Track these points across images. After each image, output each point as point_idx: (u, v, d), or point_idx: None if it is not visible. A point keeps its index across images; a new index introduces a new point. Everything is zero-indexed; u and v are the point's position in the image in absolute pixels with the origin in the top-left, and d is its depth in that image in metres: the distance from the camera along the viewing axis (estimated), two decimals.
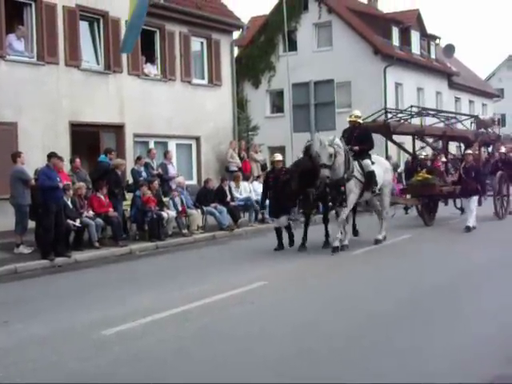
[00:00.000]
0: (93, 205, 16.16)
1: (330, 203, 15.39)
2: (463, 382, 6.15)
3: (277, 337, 7.95)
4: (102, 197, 16.34)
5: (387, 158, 25.27)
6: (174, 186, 19.34)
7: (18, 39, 18.53)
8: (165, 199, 18.13)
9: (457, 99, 44.65)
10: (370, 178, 15.20)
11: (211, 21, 24.56)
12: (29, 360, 7.22)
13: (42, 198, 14.28)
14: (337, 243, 14.53)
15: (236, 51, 31.77)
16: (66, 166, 16.63)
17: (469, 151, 19.77)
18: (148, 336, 8.14)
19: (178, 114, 22.82)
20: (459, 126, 23.53)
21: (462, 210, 20.81)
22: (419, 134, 20.75)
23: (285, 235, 15.48)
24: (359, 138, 15.57)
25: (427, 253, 14.64)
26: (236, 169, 22.89)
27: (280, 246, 15.34)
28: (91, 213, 15.88)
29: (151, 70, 22.80)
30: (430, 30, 41.85)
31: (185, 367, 6.89)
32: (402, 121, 20.39)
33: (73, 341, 8.02)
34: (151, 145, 21.93)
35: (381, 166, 16.21)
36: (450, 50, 42.77)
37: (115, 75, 21.01)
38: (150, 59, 22.87)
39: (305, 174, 14.70)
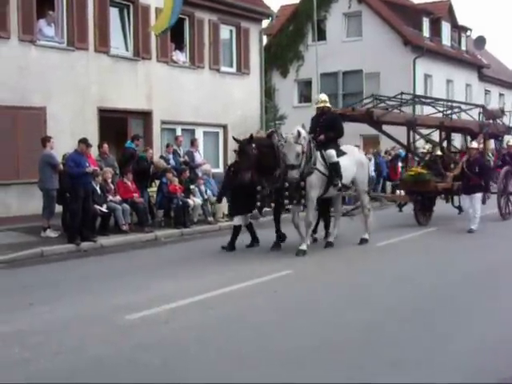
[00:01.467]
0: (119, 190, 16.27)
1: (286, 200, 13.36)
2: (465, 382, 6.10)
3: (298, 326, 7.96)
4: (129, 182, 16.43)
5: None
6: (200, 174, 19.40)
7: (48, 25, 18.63)
8: (191, 186, 18.18)
9: (487, 92, 44.17)
10: (333, 171, 13.55)
11: (241, 9, 24.49)
12: (53, 343, 7.30)
13: (70, 183, 14.37)
14: (304, 246, 13.13)
15: (265, 40, 31.71)
16: (94, 152, 16.74)
17: (473, 144, 17.88)
18: (171, 322, 8.18)
19: (205, 101, 22.82)
20: (466, 117, 21.17)
21: (460, 208, 18.48)
22: (410, 124, 18.63)
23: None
24: (326, 126, 14.01)
25: (446, 248, 14.53)
26: None
27: (230, 246, 13.87)
28: (118, 198, 15.97)
29: (180, 57, 22.82)
30: (461, 22, 41.48)
31: (207, 354, 6.91)
32: (391, 109, 18.71)
33: (97, 325, 8.09)
34: (178, 132, 21.97)
35: (353, 157, 14.46)
36: (481, 41, 42.30)
37: (144, 62, 21.06)
38: (179, 46, 22.89)
39: (260, 162, 12.98)
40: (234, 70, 24.84)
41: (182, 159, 19.32)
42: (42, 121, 17.78)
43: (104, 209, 15.35)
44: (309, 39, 36.21)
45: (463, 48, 41.29)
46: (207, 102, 22.91)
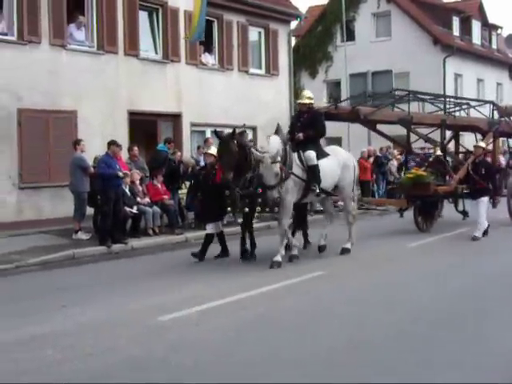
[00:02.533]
0: (149, 193, 16.34)
1: (259, 207, 12.60)
2: (470, 383, 6.04)
3: (330, 327, 7.92)
4: (159, 185, 16.49)
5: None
6: None
7: (78, 29, 18.79)
8: None
9: None
10: (311, 174, 12.39)
11: (269, 10, 24.49)
12: (85, 344, 7.33)
13: (101, 185, 14.46)
14: (279, 258, 11.97)
15: (293, 41, 31.68)
16: (124, 155, 16.83)
17: (480, 143, 16.51)
18: (203, 323, 8.19)
19: (234, 103, 22.85)
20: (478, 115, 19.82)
21: (464, 213, 17.25)
22: (404, 122, 17.00)
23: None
24: (307, 124, 12.79)
25: (485, 249, 14.38)
26: None
27: (201, 254, 12.87)
28: (147, 200, 16.04)
29: (209, 59, 22.88)
30: (491, 20, 41.16)
31: (238, 355, 6.90)
32: (381, 106, 17.19)
33: (129, 326, 8.12)
34: (208, 134, 22.00)
35: (337, 159, 13.17)
36: None
37: (173, 64, 21.15)
38: (208, 49, 22.96)
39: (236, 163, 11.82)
40: (262, 71, 24.84)
41: None
42: (72, 124, 17.93)
43: (135, 210, 15.43)
44: (337, 40, 36.14)
45: (494, 46, 40.94)
46: (236, 104, 22.93)
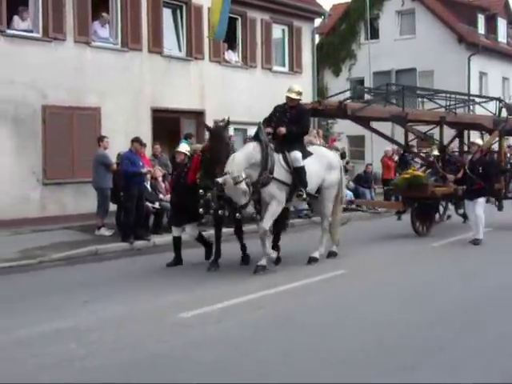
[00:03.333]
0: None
1: (239, 214, 11.21)
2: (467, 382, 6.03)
3: (350, 326, 7.92)
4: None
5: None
6: None
7: (102, 26, 18.92)
8: None
9: None
10: (298, 177, 11.43)
11: (293, 8, 24.47)
12: (108, 340, 7.39)
13: (124, 181, 14.53)
14: (264, 262, 11.26)
15: (317, 39, 31.62)
16: (148, 151, 16.92)
17: (476, 140, 15.52)
18: (224, 320, 8.22)
19: (257, 100, 22.81)
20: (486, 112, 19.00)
21: (465, 216, 16.53)
22: (398, 119, 15.89)
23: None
24: (293, 120, 11.75)
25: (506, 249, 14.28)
26: None
27: (176, 260, 12.25)
28: (169, 197, 16.08)
29: (232, 56, 22.92)
30: None
31: (258, 353, 6.92)
32: (371, 102, 16.10)
33: (150, 322, 8.17)
34: (231, 131, 22.01)
35: (321, 160, 12.13)
36: None
37: (197, 62, 21.21)
38: (232, 46, 22.99)
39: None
40: (286, 69, 24.82)
41: None
42: (96, 121, 18.06)
43: (157, 205, 15.48)
44: (361, 38, 36.00)
45: None
46: (259, 102, 22.87)
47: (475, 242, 14.17)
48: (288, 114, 11.80)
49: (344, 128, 31.11)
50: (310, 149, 12.17)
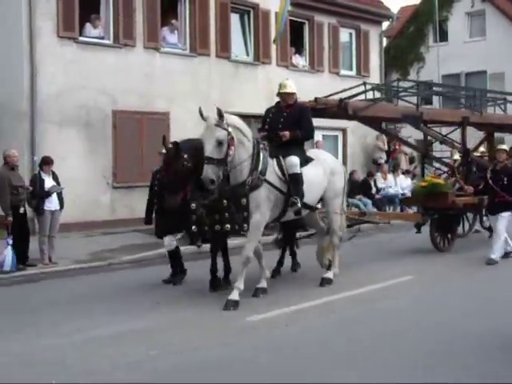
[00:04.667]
0: None
1: (228, 225, 9.42)
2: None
3: (420, 334, 7.81)
4: None
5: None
6: None
7: (171, 32, 19.20)
8: None
9: None
10: (293, 185, 9.73)
11: (361, 11, 24.36)
12: (178, 341, 7.50)
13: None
14: (235, 295, 9.21)
15: (384, 42, 31.37)
16: None
17: (503, 146, 13.49)
18: (291, 325, 8.23)
19: None
20: None
21: (490, 229, 14.42)
22: (411, 120, 14.31)
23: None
24: (293, 122, 10.19)
25: None
26: (383, 161, 22.71)
27: (173, 276, 11.19)
28: None
29: (299, 61, 22.93)
30: None
31: (326, 357, 6.90)
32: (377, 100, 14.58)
33: (218, 325, 8.25)
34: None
35: (321, 166, 10.49)
36: None
37: (264, 66, 21.30)
38: (299, 50, 23.01)
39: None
40: (353, 73, 24.70)
41: None
42: (165, 125, 18.29)
43: None
44: (430, 40, 35.49)
45: None
46: None
47: (489, 261, 12.45)
48: (285, 114, 10.35)
49: (413, 131, 30.81)
50: (310, 153, 10.60)
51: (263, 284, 9.94)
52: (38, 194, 12.48)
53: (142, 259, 13.37)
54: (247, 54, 21.27)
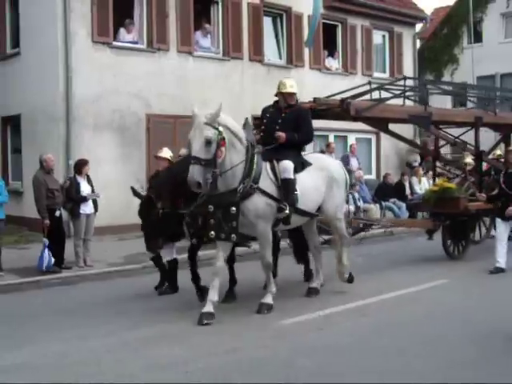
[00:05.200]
0: None
1: (212, 232, 8.80)
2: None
3: (457, 338, 7.74)
4: None
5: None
6: (353, 181, 19.38)
7: (204, 36, 19.29)
8: None
9: None
10: (284, 191, 9.01)
11: (394, 13, 24.26)
12: (211, 344, 7.54)
13: None
14: (269, 299, 9.14)
15: (418, 43, 31.19)
16: None
17: None
18: (325, 328, 8.23)
19: None
20: None
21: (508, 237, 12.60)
22: (420, 120, 13.49)
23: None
24: (291, 124, 9.56)
25: None
26: (417, 164, 22.58)
27: (172, 288, 10.58)
28: None
29: (332, 63, 22.89)
30: None
31: (362, 360, 6.89)
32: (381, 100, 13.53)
33: (252, 328, 8.27)
34: (331, 138, 22.01)
35: (322, 172, 9.80)
36: None
37: (297, 69, 21.29)
38: (332, 53, 22.96)
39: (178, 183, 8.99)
40: (387, 75, 24.56)
41: None
42: None
43: None
44: (464, 42, 35.20)
45: None
46: None
47: (495, 270, 11.75)
48: (283, 115, 9.72)
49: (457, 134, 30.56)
50: (308, 158, 9.93)
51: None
52: (74, 198, 12.61)
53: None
54: (280, 58, 21.30)
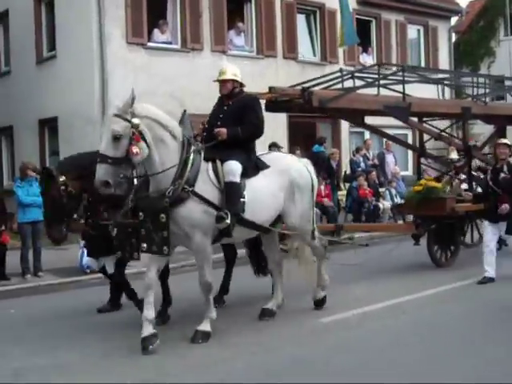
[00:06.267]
0: None
1: (144, 244, 7.53)
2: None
3: (500, 336, 7.60)
4: (322, 186, 16.43)
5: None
6: (389, 177, 19.30)
7: (238, 35, 19.32)
8: (381, 189, 18.07)
9: None
10: (227, 196, 7.59)
11: (428, 7, 24.04)
12: (249, 343, 7.52)
13: None
14: (207, 327, 7.70)
15: (453, 37, 30.88)
16: None
17: (504, 140, 11.09)
18: (363, 326, 8.17)
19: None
20: None
21: (500, 242, 11.61)
22: (397, 111, 11.99)
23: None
24: (234, 116, 8.19)
25: None
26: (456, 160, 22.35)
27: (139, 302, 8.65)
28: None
29: (367, 59, 22.74)
30: None
31: (402, 358, 6.82)
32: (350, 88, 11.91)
33: (291, 326, 8.22)
34: (367, 135, 21.87)
35: (281, 176, 8.29)
36: None
37: (331, 66, 21.15)
38: (366, 49, 22.84)
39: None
40: None
41: (370, 162, 19.29)
42: None
43: None
44: (501, 34, 34.78)
45: None
46: None
47: (483, 280, 10.47)
48: (225, 108, 8.43)
49: (486, 129, 30.19)
50: (265, 158, 8.47)
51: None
52: None
53: (215, 261, 13.35)
54: (314, 54, 21.26)
